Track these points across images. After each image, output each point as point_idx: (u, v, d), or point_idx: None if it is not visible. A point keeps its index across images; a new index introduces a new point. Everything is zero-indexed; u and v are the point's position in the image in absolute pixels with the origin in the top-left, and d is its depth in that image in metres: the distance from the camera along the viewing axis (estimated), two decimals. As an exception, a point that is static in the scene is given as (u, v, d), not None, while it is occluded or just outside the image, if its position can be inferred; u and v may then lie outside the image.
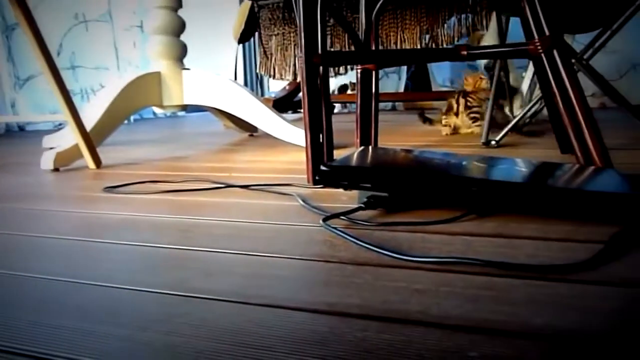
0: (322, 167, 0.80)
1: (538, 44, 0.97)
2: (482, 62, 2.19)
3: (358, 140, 1.31)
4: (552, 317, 0.42)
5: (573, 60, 1.44)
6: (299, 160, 1.40)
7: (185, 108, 1.95)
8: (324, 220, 0.72)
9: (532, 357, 0.36)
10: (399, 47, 2.17)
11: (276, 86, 3.71)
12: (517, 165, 0.88)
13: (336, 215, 0.75)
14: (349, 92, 3.17)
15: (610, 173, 0.83)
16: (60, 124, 2.81)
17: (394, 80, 3.70)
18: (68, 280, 0.55)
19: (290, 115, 3.27)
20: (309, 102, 1.01)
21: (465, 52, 1.03)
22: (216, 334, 0.41)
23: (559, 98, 0.97)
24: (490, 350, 0.37)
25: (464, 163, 0.87)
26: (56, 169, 1.42)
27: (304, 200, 0.87)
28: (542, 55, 0.97)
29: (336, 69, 2.43)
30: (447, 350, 0.38)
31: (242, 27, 2.45)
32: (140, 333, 0.42)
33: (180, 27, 1.90)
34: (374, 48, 1.33)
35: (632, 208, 0.69)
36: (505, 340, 0.39)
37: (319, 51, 1.02)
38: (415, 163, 0.89)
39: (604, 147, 0.94)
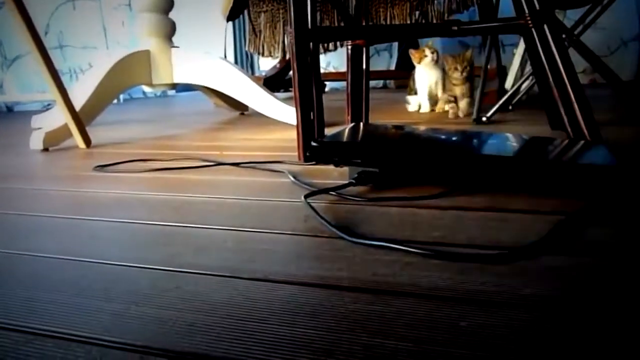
0: (313, 143, 0.80)
1: (528, 18, 0.97)
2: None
3: (349, 118, 1.31)
4: (540, 287, 0.43)
5: (563, 36, 1.44)
6: (290, 138, 1.40)
7: (175, 87, 1.94)
8: (306, 196, 0.71)
9: (520, 326, 0.37)
10: (388, 23, 2.16)
11: (267, 64, 3.68)
12: (508, 140, 0.88)
13: (319, 192, 0.75)
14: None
15: (599, 147, 0.83)
16: (49, 104, 2.79)
17: (385, 58, 3.69)
18: (60, 258, 0.55)
19: (281, 94, 3.26)
20: (299, 79, 1.01)
21: (455, 28, 1.03)
22: (208, 307, 0.42)
23: (549, 73, 0.97)
24: (479, 319, 0.38)
25: (454, 138, 0.87)
26: (45, 149, 1.41)
27: (294, 177, 0.87)
28: (533, 30, 0.97)
29: (326, 45, 2.41)
30: (438, 321, 0.38)
31: (231, 3, 2.42)
32: (132, 307, 0.42)
33: (169, 4, 1.88)
34: (363, 24, 1.33)
35: (619, 180, 0.69)
36: (494, 310, 0.39)
37: (309, 27, 1.01)
38: (406, 139, 0.89)
39: (593, 121, 0.94)
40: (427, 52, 1.78)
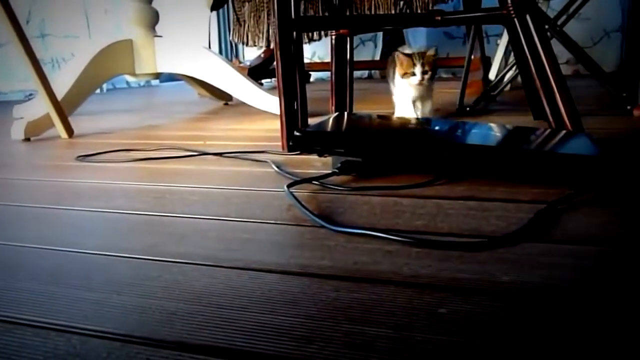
0: (296, 133, 0.80)
1: (511, 8, 0.97)
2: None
3: (333, 108, 1.31)
4: (518, 275, 0.43)
5: (547, 27, 1.44)
6: (274, 128, 1.40)
7: (159, 76, 1.92)
8: (289, 186, 0.71)
9: (500, 313, 0.37)
10: (372, 13, 2.16)
11: (251, 54, 3.67)
12: (490, 129, 0.89)
13: (302, 181, 0.75)
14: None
15: (582, 137, 0.84)
16: (30, 94, 2.75)
17: (370, 48, 3.68)
18: (40, 247, 0.55)
19: (265, 84, 3.24)
20: (283, 68, 1.00)
21: (439, 18, 1.03)
22: (189, 296, 0.42)
23: (531, 63, 0.97)
24: (459, 306, 0.38)
25: (437, 128, 0.88)
26: (27, 139, 1.40)
27: (278, 167, 0.87)
28: (515, 20, 0.98)
29: (310, 35, 2.41)
30: (417, 308, 0.38)
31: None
32: (112, 296, 0.42)
33: (152, -7, 1.87)
34: (347, 14, 1.32)
35: (600, 170, 0.70)
36: (473, 297, 0.40)
37: (292, 16, 1.01)
38: (389, 128, 0.89)
39: (575, 111, 0.95)
40: (417, 70, 1.23)
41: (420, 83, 1.24)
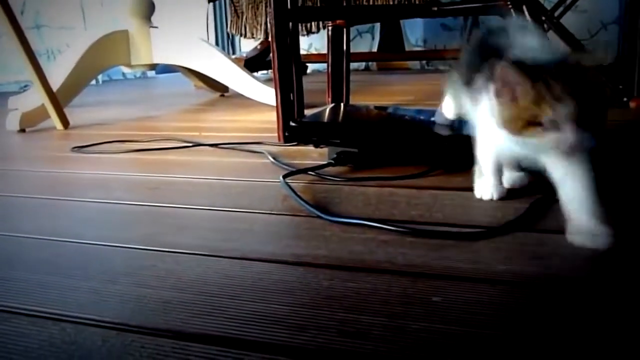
0: (292, 124, 0.80)
1: (508, -1, 0.97)
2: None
3: (330, 99, 1.31)
4: (513, 264, 0.43)
5: (543, 18, 1.44)
6: (271, 119, 1.39)
7: (154, 68, 1.92)
8: (284, 177, 0.71)
9: (494, 301, 0.37)
10: (370, 4, 2.16)
11: (248, 46, 3.66)
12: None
13: (298, 172, 0.75)
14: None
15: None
16: (26, 85, 2.74)
17: (367, 40, 3.67)
18: (37, 238, 0.55)
19: (262, 75, 3.23)
20: (279, 59, 1.00)
21: (435, 8, 1.03)
22: (183, 285, 0.42)
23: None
24: (453, 295, 0.38)
25: (433, 119, 0.88)
26: (22, 130, 1.39)
27: (274, 158, 0.87)
28: (512, 11, 0.97)
29: (308, 27, 2.40)
30: (412, 296, 0.39)
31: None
32: (108, 285, 0.42)
33: (148, -17, 1.86)
34: (344, 4, 1.32)
35: (598, 161, 0.70)
36: (468, 286, 0.40)
37: (289, 6, 1.01)
38: (386, 119, 0.89)
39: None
40: (563, 115, 0.46)
41: (573, 150, 0.49)
